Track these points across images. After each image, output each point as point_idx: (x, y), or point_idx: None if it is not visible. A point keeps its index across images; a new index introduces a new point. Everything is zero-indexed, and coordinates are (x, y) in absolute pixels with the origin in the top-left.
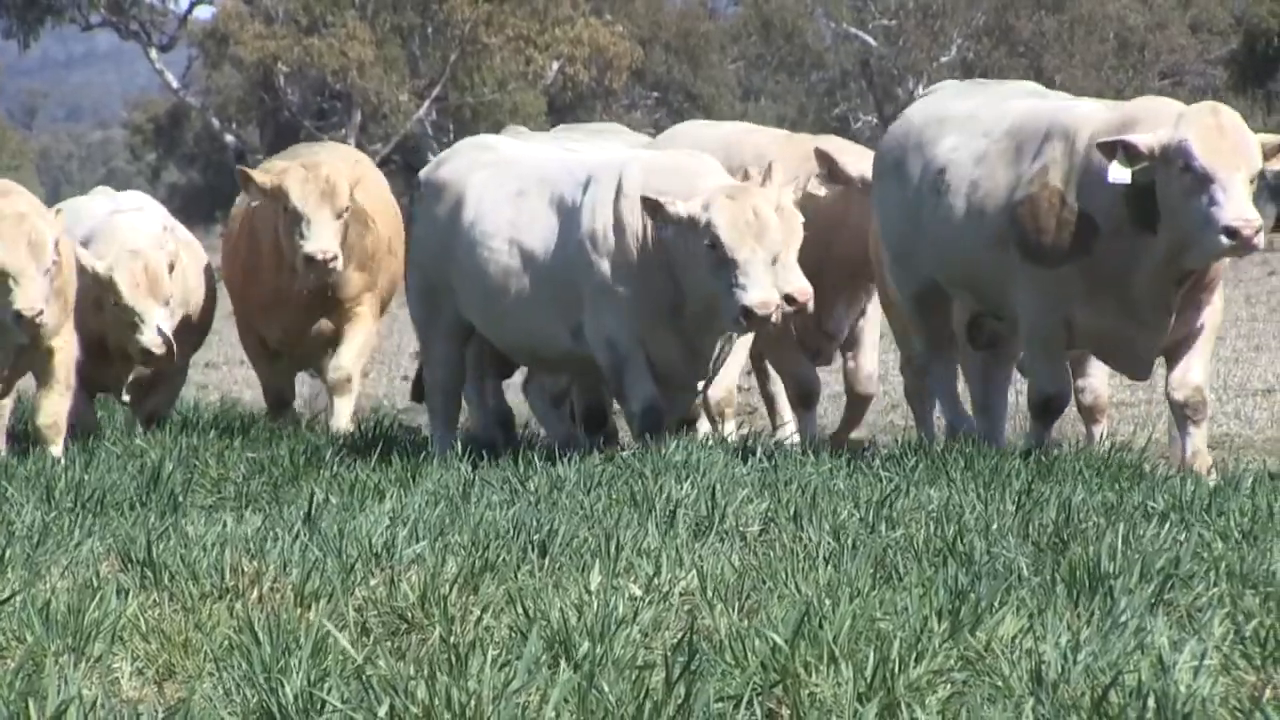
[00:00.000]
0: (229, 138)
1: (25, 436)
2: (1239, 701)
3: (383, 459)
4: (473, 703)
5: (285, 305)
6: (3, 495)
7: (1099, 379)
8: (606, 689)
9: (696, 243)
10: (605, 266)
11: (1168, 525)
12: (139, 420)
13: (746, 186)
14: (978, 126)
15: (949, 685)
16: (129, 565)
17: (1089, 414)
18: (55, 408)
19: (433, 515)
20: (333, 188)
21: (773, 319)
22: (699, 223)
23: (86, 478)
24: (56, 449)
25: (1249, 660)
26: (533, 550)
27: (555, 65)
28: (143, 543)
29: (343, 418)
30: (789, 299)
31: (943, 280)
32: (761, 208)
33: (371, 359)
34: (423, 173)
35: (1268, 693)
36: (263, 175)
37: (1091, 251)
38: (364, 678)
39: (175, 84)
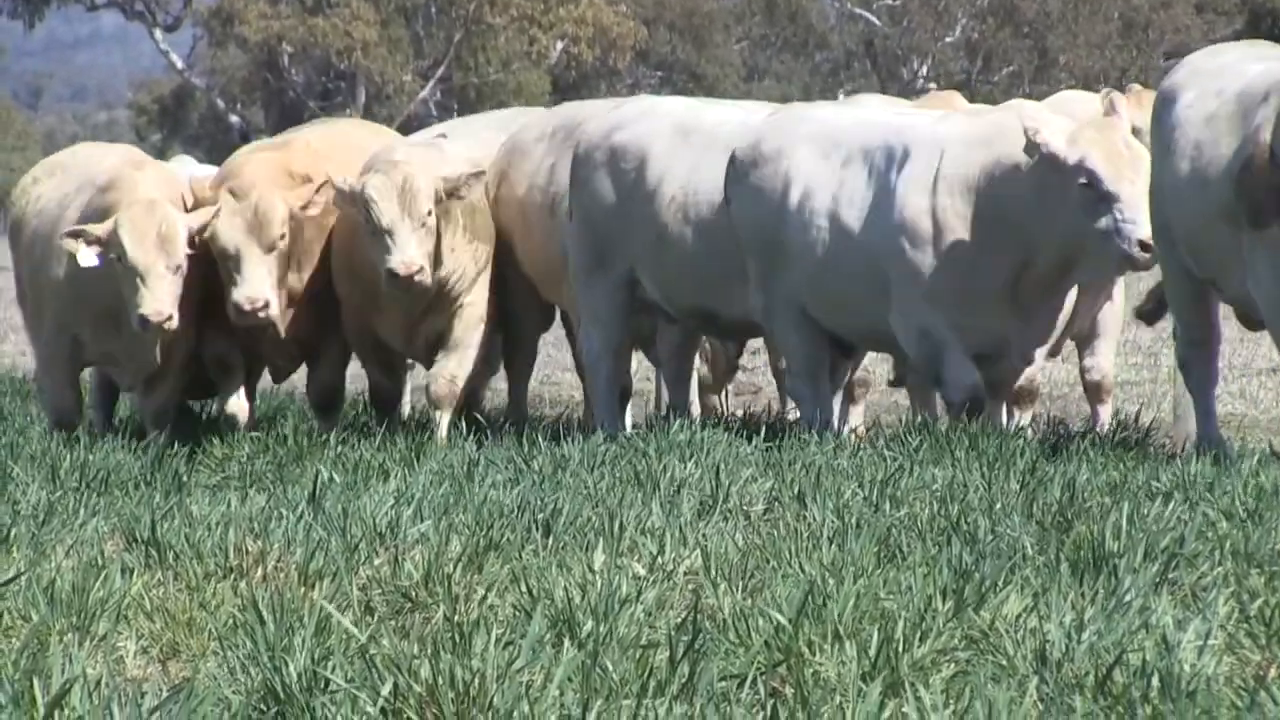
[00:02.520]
0: (234, 118)
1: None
2: (1243, 681)
3: (387, 439)
4: (476, 681)
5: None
6: (8, 474)
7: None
8: (610, 668)
9: (1065, 181)
10: (918, 255)
11: (1172, 504)
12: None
13: (1109, 120)
14: (1214, 85)
15: (953, 664)
16: (133, 544)
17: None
18: (167, 392)
19: (437, 495)
20: (262, 220)
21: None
22: (1067, 161)
23: (91, 457)
24: (160, 435)
25: (1254, 639)
26: (537, 529)
27: (559, 45)
28: (147, 522)
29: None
30: None
31: (1180, 246)
32: (1131, 140)
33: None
34: (739, 151)
35: (1272, 672)
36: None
37: None
38: (368, 657)
39: (180, 64)
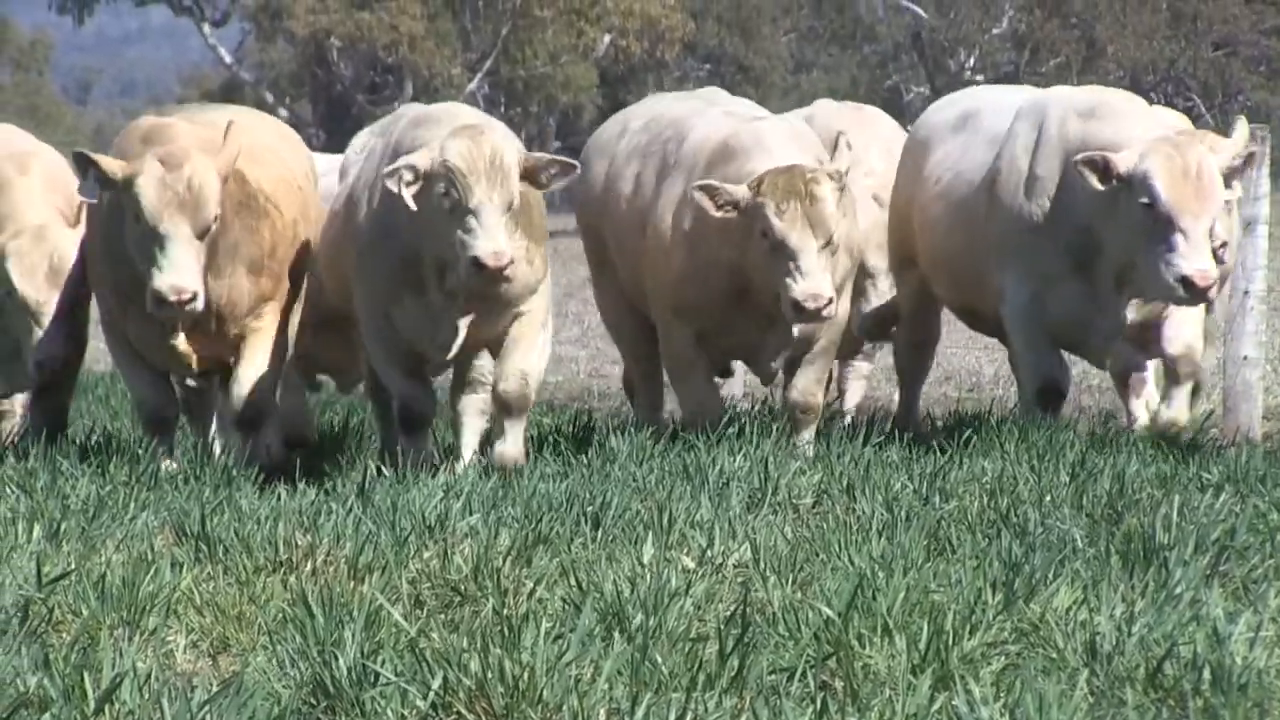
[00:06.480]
0: (282, 112)
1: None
2: None
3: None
4: (526, 675)
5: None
6: (58, 468)
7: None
8: (660, 661)
9: None
10: None
11: (1223, 496)
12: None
13: None
14: None
15: (1003, 657)
16: (183, 539)
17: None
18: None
19: (485, 488)
20: (197, 196)
21: None
22: None
23: (140, 451)
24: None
25: None
26: (585, 523)
27: (607, 38)
28: (197, 516)
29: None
30: None
31: None
32: None
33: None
34: None
35: None
36: (109, 161)
37: None
38: (417, 650)
39: (228, 59)
